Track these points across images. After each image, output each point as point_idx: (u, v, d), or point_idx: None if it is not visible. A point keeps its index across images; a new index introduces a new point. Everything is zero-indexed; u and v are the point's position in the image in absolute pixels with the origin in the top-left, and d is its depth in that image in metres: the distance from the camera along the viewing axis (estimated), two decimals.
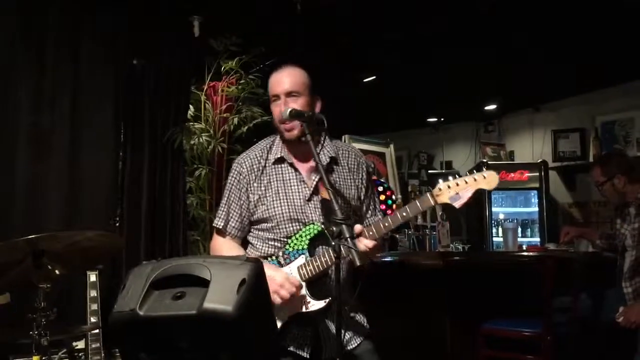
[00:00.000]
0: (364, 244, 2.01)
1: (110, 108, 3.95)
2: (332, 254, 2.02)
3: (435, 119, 7.39)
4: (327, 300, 2.03)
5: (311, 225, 2.12)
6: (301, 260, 2.08)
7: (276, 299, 1.97)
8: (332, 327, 2.10)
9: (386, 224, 2.06)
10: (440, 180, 2.07)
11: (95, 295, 3.27)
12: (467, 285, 3.51)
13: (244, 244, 2.27)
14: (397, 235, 4.33)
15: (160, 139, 4.16)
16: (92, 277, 3.28)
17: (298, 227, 2.13)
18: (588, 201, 6.14)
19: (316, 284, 2.09)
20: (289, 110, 2.09)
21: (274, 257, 2.14)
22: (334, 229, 1.87)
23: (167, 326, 1.42)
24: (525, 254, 3.87)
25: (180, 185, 4.28)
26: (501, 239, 5.50)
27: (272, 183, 2.17)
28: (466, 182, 2.03)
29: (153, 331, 1.44)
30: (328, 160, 2.20)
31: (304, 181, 2.16)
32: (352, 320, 2.17)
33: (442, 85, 5.69)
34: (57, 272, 2.33)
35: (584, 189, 6.13)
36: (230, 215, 2.22)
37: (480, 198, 6.01)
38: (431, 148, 7.63)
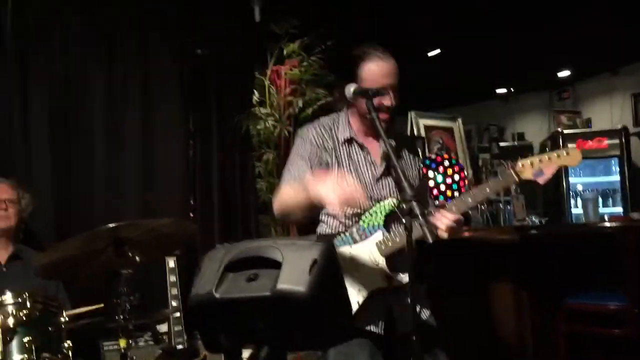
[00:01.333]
0: (447, 217, 1.98)
1: (178, 99, 4.05)
2: (425, 229, 1.98)
3: (504, 90, 7.15)
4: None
5: (386, 202, 2.11)
6: (379, 235, 2.08)
7: (338, 189, 1.81)
8: (405, 301, 2.06)
9: (469, 200, 2.05)
10: (521, 157, 2.05)
11: (175, 280, 3.39)
12: (546, 260, 3.39)
13: (315, 223, 2.25)
14: (470, 211, 4.23)
15: (227, 125, 4.23)
16: (171, 262, 3.41)
17: (370, 204, 2.12)
18: None
19: (395, 259, 2.08)
20: (352, 87, 2.08)
21: (347, 234, 2.12)
22: (404, 206, 1.85)
23: (243, 307, 1.45)
24: (607, 224, 3.69)
25: (249, 171, 4.35)
26: (580, 211, 5.29)
27: (343, 162, 2.16)
28: (549, 159, 2.01)
29: (230, 313, 1.47)
30: (393, 143, 2.15)
31: (373, 162, 2.17)
32: (422, 293, 2.18)
33: (510, 54, 5.48)
34: (137, 258, 2.42)
35: None
36: (299, 173, 2.12)
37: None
38: (502, 120, 7.41)
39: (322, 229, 2.22)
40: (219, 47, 4.27)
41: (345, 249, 2.10)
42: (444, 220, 1.97)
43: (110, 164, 3.73)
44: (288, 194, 2.09)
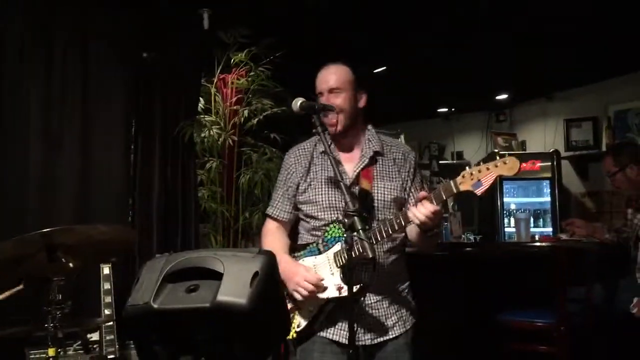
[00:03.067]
0: (427, 207, 2.00)
1: (120, 102, 3.97)
2: (365, 244, 2.03)
3: (446, 109, 7.35)
4: (358, 286, 2.06)
5: None
6: (337, 247, 2.15)
7: (297, 295, 2.11)
8: (367, 314, 2.19)
9: (399, 219, 2.09)
10: (467, 168, 2.08)
11: (109, 287, 3.31)
12: (480, 276, 3.50)
13: (294, 235, 2.40)
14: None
15: (171, 132, 4.17)
16: (106, 269, 3.32)
17: (336, 214, 2.20)
18: (601, 191, 6.08)
19: (353, 271, 2.09)
20: (299, 102, 2.12)
21: (314, 245, 2.24)
22: (346, 220, 1.90)
23: (182, 319, 1.43)
24: (537, 244, 3.84)
25: (192, 178, 4.29)
26: (513, 230, 5.47)
27: (318, 173, 2.28)
28: (487, 169, 2.04)
29: (167, 324, 1.45)
30: (372, 153, 2.29)
31: (344, 172, 2.25)
32: (398, 308, 2.23)
33: (453, 75, 5.65)
34: (71, 265, 2.35)
35: (597, 178, 6.07)
36: (278, 201, 2.38)
37: (493, 188, 5.96)
38: (442, 138, 7.59)
39: (299, 240, 2.37)
40: (165, 52, 4.21)
41: (310, 259, 2.22)
42: (422, 210, 2.00)
43: (46, 166, 3.60)
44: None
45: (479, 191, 2.02)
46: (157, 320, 1.44)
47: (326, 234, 2.21)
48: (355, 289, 2.03)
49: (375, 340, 2.17)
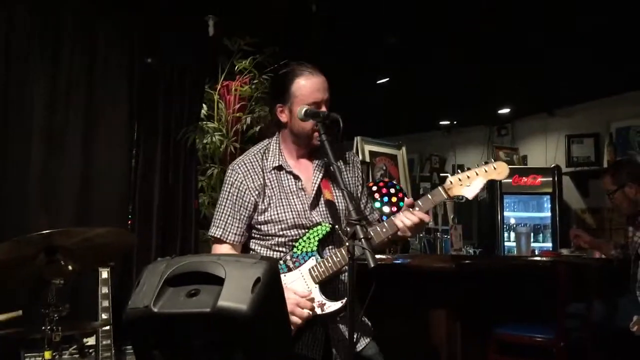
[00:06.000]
0: (417, 215, 2.00)
1: (124, 106, 3.96)
2: (344, 254, 2.00)
3: (447, 122, 7.36)
4: (344, 300, 2.00)
5: (319, 227, 2.10)
6: (312, 262, 2.06)
7: (295, 320, 1.96)
8: (342, 328, 2.10)
9: (385, 228, 2.06)
10: (449, 175, 2.07)
11: (107, 292, 3.29)
12: (479, 290, 3.48)
13: (245, 251, 2.22)
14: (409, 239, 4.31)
15: (173, 137, 4.17)
16: (104, 273, 3.30)
17: (303, 232, 2.11)
18: (601, 207, 6.09)
19: (329, 285, 2.08)
20: (304, 109, 2.08)
21: (281, 262, 2.09)
22: (348, 229, 1.87)
23: (181, 323, 1.42)
24: (538, 259, 3.83)
25: (192, 184, 4.29)
26: (513, 244, 5.48)
27: (274, 190, 2.14)
28: (477, 174, 2.02)
29: (167, 328, 1.43)
30: (325, 161, 2.17)
31: (303, 188, 2.15)
32: (361, 321, 2.16)
33: (455, 88, 5.66)
34: (69, 268, 2.33)
35: (598, 194, 6.07)
36: (228, 222, 2.17)
37: (493, 202, 5.98)
38: (443, 151, 7.60)
39: None
40: (170, 58, 4.22)
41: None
42: (412, 218, 2.00)
43: (48, 168, 3.59)
44: None
45: (470, 195, 2.02)
46: (156, 324, 1.43)
47: (295, 249, 2.09)
48: (342, 303, 1.99)
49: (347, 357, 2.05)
